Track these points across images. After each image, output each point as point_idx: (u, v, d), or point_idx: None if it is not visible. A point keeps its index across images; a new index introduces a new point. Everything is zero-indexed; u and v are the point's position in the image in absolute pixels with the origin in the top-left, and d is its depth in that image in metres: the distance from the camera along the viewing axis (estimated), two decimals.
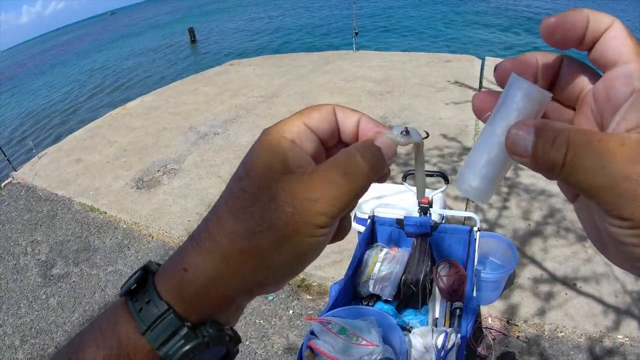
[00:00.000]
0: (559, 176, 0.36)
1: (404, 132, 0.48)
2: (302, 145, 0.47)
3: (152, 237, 5.55)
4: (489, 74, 9.62)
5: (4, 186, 7.71)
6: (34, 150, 8.79)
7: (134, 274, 0.47)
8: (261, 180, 0.43)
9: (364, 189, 0.44)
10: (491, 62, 10.63)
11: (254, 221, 0.42)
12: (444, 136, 6.85)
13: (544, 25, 0.40)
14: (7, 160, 8.41)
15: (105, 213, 6.22)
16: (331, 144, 0.51)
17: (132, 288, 0.46)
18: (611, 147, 0.34)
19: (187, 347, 0.44)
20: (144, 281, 0.46)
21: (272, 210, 0.42)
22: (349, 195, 0.43)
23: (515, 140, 0.37)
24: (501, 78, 0.45)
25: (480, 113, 0.45)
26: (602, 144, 0.35)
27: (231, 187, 0.45)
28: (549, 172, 0.37)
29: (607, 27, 0.39)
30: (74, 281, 5.05)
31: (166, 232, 5.51)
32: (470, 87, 8.79)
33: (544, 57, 0.44)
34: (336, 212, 0.43)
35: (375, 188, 4.20)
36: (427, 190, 3.48)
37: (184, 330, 0.44)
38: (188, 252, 0.45)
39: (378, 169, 0.45)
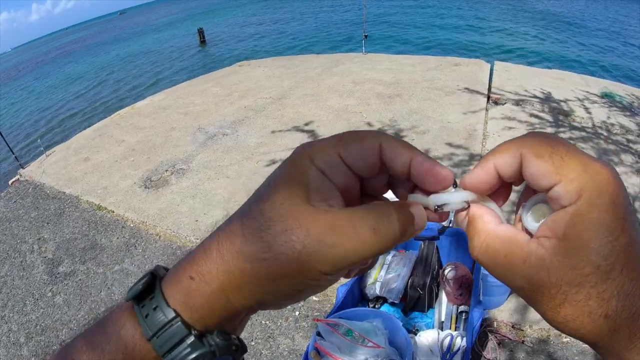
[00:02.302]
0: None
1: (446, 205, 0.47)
2: (331, 178, 0.45)
3: (160, 237, 5.55)
4: (498, 78, 9.61)
5: (12, 184, 7.73)
6: (42, 148, 8.82)
7: (142, 278, 0.47)
8: (280, 208, 0.42)
9: (386, 250, 0.44)
10: (500, 66, 10.62)
11: (260, 247, 0.42)
12: (453, 140, 6.83)
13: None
14: (15, 157, 8.45)
15: (113, 212, 6.23)
16: (369, 175, 0.48)
17: (139, 293, 0.46)
18: (515, 263, 0.41)
19: (193, 356, 0.44)
20: (151, 286, 0.46)
21: (281, 243, 0.41)
22: (371, 252, 0.42)
23: (458, 216, 0.49)
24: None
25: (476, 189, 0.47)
26: (509, 255, 0.42)
27: (250, 205, 0.44)
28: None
29: (517, 167, 0.42)
30: (80, 279, 5.06)
31: (173, 232, 5.52)
32: (479, 92, 8.77)
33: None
34: (348, 264, 0.42)
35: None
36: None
37: (191, 339, 0.44)
38: (196, 260, 0.45)
39: (407, 237, 0.44)
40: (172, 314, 0.44)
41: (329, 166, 0.44)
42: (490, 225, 0.44)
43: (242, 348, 0.49)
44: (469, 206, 0.47)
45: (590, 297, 0.38)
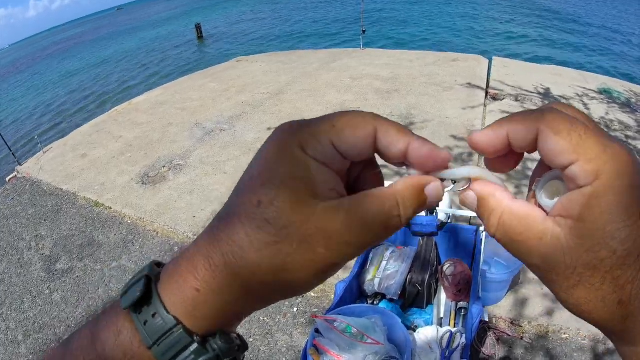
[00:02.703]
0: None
1: (459, 181, 0.46)
2: (330, 166, 0.43)
3: (157, 233, 5.55)
4: (496, 73, 9.61)
5: (9, 180, 7.72)
6: (39, 145, 8.81)
7: (136, 281, 0.45)
8: (291, 215, 0.40)
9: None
10: (498, 62, 10.62)
11: (281, 259, 0.40)
12: (451, 136, 6.83)
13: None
14: (12, 154, 8.43)
15: (110, 208, 6.22)
16: (358, 160, 0.46)
17: (136, 301, 0.44)
18: (531, 240, 0.40)
19: None
20: (147, 292, 0.44)
21: (304, 251, 0.40)
22: (376, 243, 0.44)
23: (465, 197, 0.46)
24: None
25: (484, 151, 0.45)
26: (525, 232, 0.41)
27: (251, 214, 0.40)
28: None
29: (532, 140, 0.41)
30: (77, 276, 5.05)
31: (171, 228, 5.51)
32: (477, 87, 8.77)
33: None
34: (355, 256, 0.43)
35: None
36: None
37: (194, 346, 0.43)
38: (199, 270, 0.42)
39: (411, 218, 0.44)
40: (173, 322, 0.42)
41: (324, 156, 0.42)
42: (504, 202, 0.43)
43: (244, 346, 0.49)
44: (470, 182, 0.46)
45: (605, 282, 0.37)
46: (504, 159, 0.46)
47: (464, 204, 0.46)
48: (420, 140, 0.43)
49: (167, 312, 0.43)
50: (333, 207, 0.41)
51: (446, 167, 0.45)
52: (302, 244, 0.40)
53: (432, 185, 0.44)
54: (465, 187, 0.46)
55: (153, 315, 0.43)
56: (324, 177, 0.41)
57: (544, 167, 0.45)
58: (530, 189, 0.46)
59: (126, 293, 0.44)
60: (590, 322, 0.41)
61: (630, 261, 0.36)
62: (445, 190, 0.46)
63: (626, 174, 0.36)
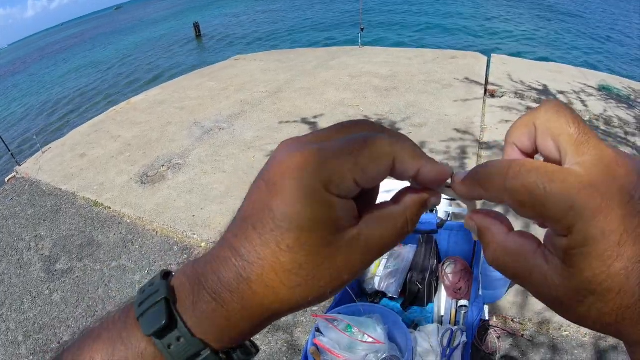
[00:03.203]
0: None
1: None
2: (348, 197, 0.42)
3: (156, 233, 5.54)
4: (495, 71, 9.60)
5: (8, 181, 7.71)
6: (37, 145, 8.81)
7: (152, 304, 0.44)
8: (320, 256, 0.41)
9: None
10: (497, 59, 10.62)
11: (311, 293, 0.42)
12: (450, 133, 6.82)
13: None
14: (11, 154, 8.43)
15: (109, 208, 6.22)
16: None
17: (161, 329, 0.43)
18: (521, 275, 0.42)
19: None
20: (170, 316, 0.43)
21: (332, 281, 0.42)
22: (392, 249, 0.46)
23: (468, 224, 0.48)
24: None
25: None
26: (515, 271, 0.43)
27: (281, 257, 0.40)
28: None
29: (533, 139, 0.43)
30: (77, 276, 5.05)
31: (170, 228, 5.50)
32: (476, 84, 8.76)
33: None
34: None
35: (382, 184, 4.18)
36: None
37: None
38: (227, 303, 0.42)
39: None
40: (201, 346, 0.43)
41: (347, 192, 0.41)
42: (498, 238, 0.44)
43: (257, 351, 0.50)
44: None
45: (591, 310, 0.38)
46: None
47: (470, 230, 0.48)
48: (429, 164, 0.44)
49: (194, 336, 0.43)
50: (355, 238, 0.42)
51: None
52: (331, 277, 0.42)
53: (434, 199, 0.47)
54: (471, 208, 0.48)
55: (178, 339, 0.43)
56: (346, 212, 0.42)
57: None
58: None
59: (144, 315, 0.44)
60: (591, 329, 0.44)
61: (611, 296, 0.37)
62: (450, 199, 0.48)
63: (609, 173, 0.37)
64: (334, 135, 0.44)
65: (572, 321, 0.41)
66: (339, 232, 0.41)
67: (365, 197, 0.47)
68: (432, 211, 3.23)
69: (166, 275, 0.48)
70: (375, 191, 0.50)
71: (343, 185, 0.40)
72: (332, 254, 0.41)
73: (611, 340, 3.56)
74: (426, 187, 0.47)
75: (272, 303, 0.42)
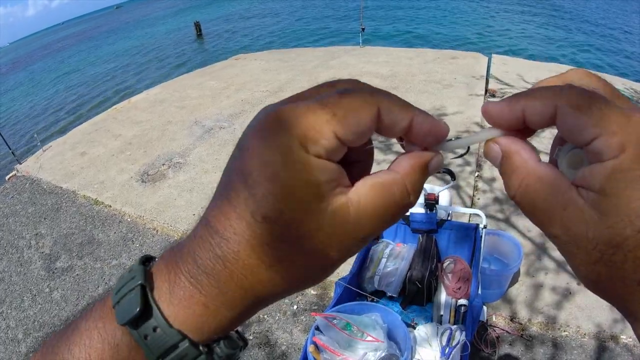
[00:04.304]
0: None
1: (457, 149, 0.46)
2: (333, 159, 0.38)
3: (157, 231, 5.55)
4: (495, 71, 9.61)
5: (9, 179, 7.72)
6: (38, 144, 8.82)
7: (129, 290, 0.41)
8: (301, 227, 0.37)
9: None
10: (497, 59, 10.61)
11: (294, 271, 0.39)
12: (450, 133, 6.78)
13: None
14: (12, 153, 8.44)
15: (110, 206, 6.22)
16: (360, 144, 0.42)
17: (136, 318, 0.40)
18: (555, 208, 0.38)
19: None
20: (146, 304, 0.40)
21: (317, 259, 0.39)
22: (393, 224, 0.42)
23: (489, 150, 0.43)
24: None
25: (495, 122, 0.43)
26: (549, 198, 0.38)
27: (257, 230, 0.37)
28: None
29: (549, 119, 0.39)
30: (77, 274, 5.06)
31: (171, 226, 5.51)
32: (476, 84, 8.77)
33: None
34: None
35: None
36: (433, 186, 3.47)
37: (202, 358, 0.41)
38: (204, 287, 0.39)
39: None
40: (178, 337, 0.40)
41: (327, 151, 0.37)
42: (530, 163, 0.40)
43: (245, 343, 0.47)
44: (468, 149, 0.47)
45: (627, 261, 0.35)
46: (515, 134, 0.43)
47: (487, 157, 0.44)
48: (422, 115, 0.41)
49: (170, 326, 0.40)
50: (342, 208, 0.38)
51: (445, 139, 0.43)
52: (316, 253, 0.38)
53: (435, 160, 0.43)
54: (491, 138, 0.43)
55: (154, 329, 0.40)
56: (329, 176, 0.37)
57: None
58: (550, 158, 0.44)
59: (119, 303, 0.41)
60: (608, 301, 0.40)
61: None
62: (455, 157, 0.45)
63: None
64: (314, 94, 0.40)
65: (596, 282, 0.38)
66: (321, 200, 0.37)
67: (359, 167, 0.44)
68: (431, 210, 3.23)
69: (147, 260, 0.46)
70: (368, 161, 0.46)
71: (322, 141, 0.36)
72: (315, 226, 0.37)
73: (610, 343, 3.56)
74: (423, 146, 0.43)
75: (252, 285, 0.39)
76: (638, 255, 0.34)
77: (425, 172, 0.42)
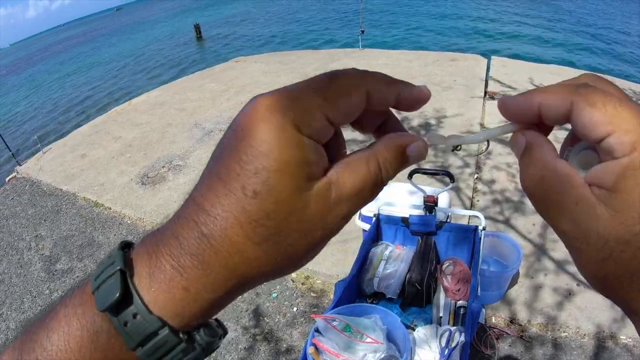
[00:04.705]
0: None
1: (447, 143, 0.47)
2: (321, 141, 0.40)
3: None
4: (495, 73, 9.62)
5: (9, 181, 7.73)
6: (38, 145, 8.82)
7: (108, 276, 0.40)
8: (290, 205, 0.38)
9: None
10: (497, 61, 10.62)
11: (281, 249, 0.39)
12: (450, 134, 6.83)
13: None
14: (12, 154, 8.45)
15: (110, 208, 6.23)
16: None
17: (115, 304, 0.39)
18: (567, 202, 0.39)
19: None
20: (125, 290, 0.39)
21: (304, 237, 0.40)
22: (369, 202, 0.43)
23: (516, 140, 0.44)
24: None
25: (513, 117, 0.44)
26: (562, 192, 0.39)
27: (246, 205, 0.37)
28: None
29: (565, 114, 0.40)
30: (77, 276, 5.06)
31: None
32: (476, 87, 8.77)
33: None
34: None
35: None
36: (432, 189, 3.48)
37: (182, 346, 0.40)
38: (186, 269, 0.39)
39: (392, 177, 0.44)
40: (158, 323, 0.39)
41: (318, 132, 0.39)
42: (549, 157, 0.41)
43: (224, 332, 0.46)
44: (488, 144, 0.49)
45: (635, 258, 0.36)
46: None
47: (512, 146, 0.45)
48: (406, 88, 0.44)
49: (150, 312, 0.39)
50: (325, 187, 0.39)
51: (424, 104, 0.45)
52: (302, 231, 0.39)
53: (416, 145, 0.44)
54: (517, 129, 0.45)
55: (134, 316, 0.39)
56: (317, 156, 0.40)
57: (575, 137, 0.44)
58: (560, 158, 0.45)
59: (98, 289, 0.40)
60: (613, 300, 0.41)
61: None
62: (479, 154, 0.46)
63: None
64: (305, 81, 0.41)
65: (603, 280, 0.39)
66: (310, 180, 0.39)
67: (334, 147, 0.45)
68: (430, 212, 3.24)
69: (126, 246, 0.45)
70: (341, 142, 0.47)
71: (314, 122, 0.39)
72: (302, 204, 0.38)
73: (610, 343, 3.56)
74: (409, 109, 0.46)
75: (237, 265, 0.39)
76: None
77: (401, 154, 0.43)
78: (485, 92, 8.46)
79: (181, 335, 0.40)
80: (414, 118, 7.57)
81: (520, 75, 9.45)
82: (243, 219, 0.37)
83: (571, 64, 12.63)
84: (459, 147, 0.46)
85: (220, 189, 0.38)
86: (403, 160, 0.44)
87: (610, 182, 0.36)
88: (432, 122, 7.36)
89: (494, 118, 7.27)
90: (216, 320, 0.46)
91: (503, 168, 5.69)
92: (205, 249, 0.39)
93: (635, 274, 0.36)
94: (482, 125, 7.08)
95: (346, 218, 0.41)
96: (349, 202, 0.41)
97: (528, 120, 0.42)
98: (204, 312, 0.41)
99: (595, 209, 0.37)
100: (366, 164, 0.41)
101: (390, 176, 0.43)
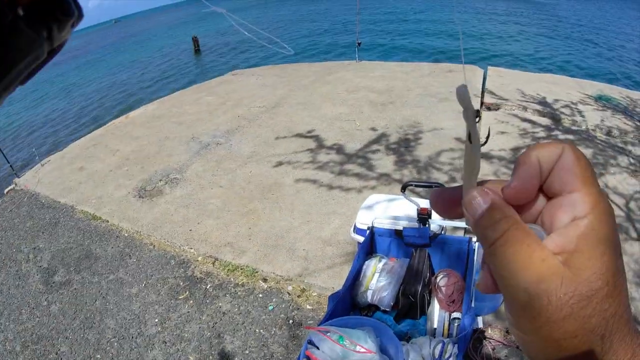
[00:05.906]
0: (485, 251, 0.42)
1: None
2: None
3: (154, 246, 5.56)
4: (491, 83, 9.67)
5: (7, 193, 7.73)
6: (37, 158, 8.83)
7: None
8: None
9: None
10: (493, 71, 10.68)
11: None
12: (446, 147, 6.87)
13: (507, 196, 0.45)
14: (11, 167, 8.44)
15: (107, 221, 6.24)
16: None
17: None
18: (534, 258, 0.39)
19: None
20: None
21: None
22: None
23: (470, 202, 0.44)
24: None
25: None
26: (529, 248, 0.39)
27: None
28: (481, 241, 0.43)
29: (555, 159, 0.42)
30: (75, 289, 5.07)
31: (168, 241, 5.53)
32: (473, 97, 8.78)
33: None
34: None
35: (374, 199, 4.22)
36: (426, 201, 3.50)
37: None
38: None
39: None
40: None
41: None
42: (517, 217, 0.42)
43: None
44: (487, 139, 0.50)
45: (594, 314, 0.37)
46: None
47: (466, 209, 0.45)
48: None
49: None
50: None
51: None
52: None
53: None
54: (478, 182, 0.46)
55: None
56: None
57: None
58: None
59: None
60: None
61: (616, 294, 0.38)
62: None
63: (611, 214, 0.40)
64: None
65: (561, 339, 0.38)
66: None
67: None
68: (424, 224, 3.26)
69: None
70: None
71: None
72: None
73: None
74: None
75: None
76: (603, 308, 0.37)
77: None
78: (482, 103, 8.50)
79: None
80: (408, 128, 7.60)
81: (517, 85, 9.54)
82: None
83: (568, 73, 12.68)
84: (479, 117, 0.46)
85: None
86: None
87: (573, 244, 0.38)
88: (429, 134, 7.39)
89: (491, 129, 7.26)
90: None
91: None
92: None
93: (594, 330, 0.37)
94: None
95: None
96: None
97: (534, 178, 0.44)
98: None
99: (559, 268, 0.38)
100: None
101: None
